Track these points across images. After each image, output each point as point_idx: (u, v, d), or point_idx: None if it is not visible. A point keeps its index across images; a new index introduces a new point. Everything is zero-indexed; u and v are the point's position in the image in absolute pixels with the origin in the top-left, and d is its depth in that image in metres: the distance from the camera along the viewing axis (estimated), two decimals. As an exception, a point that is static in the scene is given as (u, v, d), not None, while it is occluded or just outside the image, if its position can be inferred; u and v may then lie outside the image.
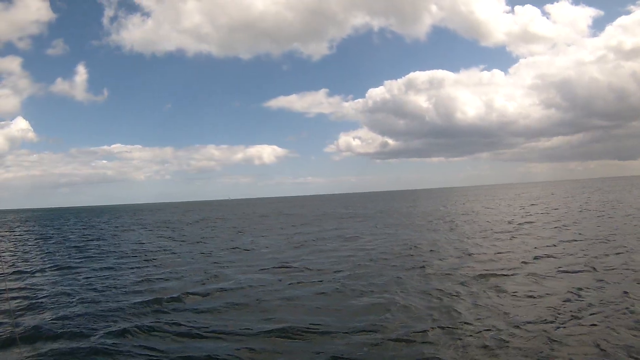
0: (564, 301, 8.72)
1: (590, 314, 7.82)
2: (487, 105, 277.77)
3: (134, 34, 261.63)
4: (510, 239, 18.29)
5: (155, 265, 15.91)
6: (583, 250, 14.59)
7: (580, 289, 9.49)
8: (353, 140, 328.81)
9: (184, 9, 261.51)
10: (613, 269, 11.30)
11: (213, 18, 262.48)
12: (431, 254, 15.61)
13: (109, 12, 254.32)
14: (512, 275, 11.37)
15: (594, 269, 11.47)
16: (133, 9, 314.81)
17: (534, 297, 9.18)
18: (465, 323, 7.71)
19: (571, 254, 13.93)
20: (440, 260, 14.19)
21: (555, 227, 21.74)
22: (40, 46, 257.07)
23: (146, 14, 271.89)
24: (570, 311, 8.04)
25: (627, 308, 7.96)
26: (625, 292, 8.94)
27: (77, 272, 14.96)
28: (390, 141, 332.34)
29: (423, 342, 6.99)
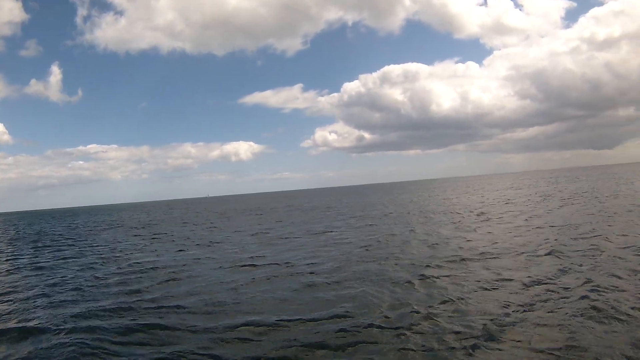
0: (520, 289, 9.07)
1: (543, 301, 8.16)
2: (462, 97, 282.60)
3: (108, 32, 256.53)
4: (475, 230, 18.84)
5: (128, 264, 16.05)
6: (547, 238, 15.10)
7: (539, 276, 9.87)
8: (329, 135, 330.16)
9: (156, 6, 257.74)
10: (577, 255, 11.76)
11: (186, 15, 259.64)
12: (397, 245, 16.08)
13: (82, 12, 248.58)
14: (475, 263, 11.83)
15: (557, 256, 11.80)
16: (106, 7, 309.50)
17: (492, 286, 9.46)
18: (421, 311, 7.99)
19: (534, 242, 14.48)
20: (405, 251, 14.63)
21: (522, 217, 22.46)
22: (14, 47, 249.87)
23: (119, 13, 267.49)
24: (524, 299, 8.38)
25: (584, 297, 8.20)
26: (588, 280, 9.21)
27: (49, 271, 15.09)
28: (367, 135, 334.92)
29: (385, 329, 7.28)
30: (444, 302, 8.47)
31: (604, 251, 11.98)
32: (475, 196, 48.05)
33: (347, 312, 8.26)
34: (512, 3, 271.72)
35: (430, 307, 8.24)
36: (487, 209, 29.03)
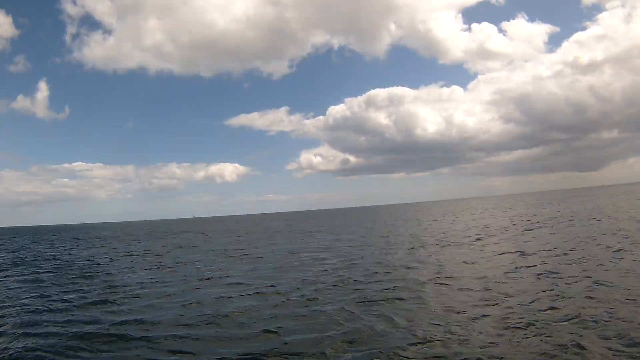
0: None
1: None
2: (447, 121, 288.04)
3: (96, 51, 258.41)
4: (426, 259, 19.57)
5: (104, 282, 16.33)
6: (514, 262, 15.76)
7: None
8: (314, 158, 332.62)
9: (145, 27, 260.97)
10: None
11: (174, 36, 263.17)
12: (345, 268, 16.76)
13: (71, 30, 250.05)
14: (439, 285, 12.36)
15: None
16: (95, 26, 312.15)
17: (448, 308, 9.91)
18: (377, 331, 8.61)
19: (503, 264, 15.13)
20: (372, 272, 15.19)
21: (498, 239, 23.28)
22: (2, 62, 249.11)
23: (108, 32, 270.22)
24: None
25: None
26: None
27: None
28: (352, 158, 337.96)
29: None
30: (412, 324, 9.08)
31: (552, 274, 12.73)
32: (444, 223, 48.92)
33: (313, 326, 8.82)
34: (495, 28, 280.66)
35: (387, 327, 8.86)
36: (466, 231, 29.85)
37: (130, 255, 28.05)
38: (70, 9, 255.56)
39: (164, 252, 29.98)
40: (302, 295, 12.11)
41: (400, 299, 10.95)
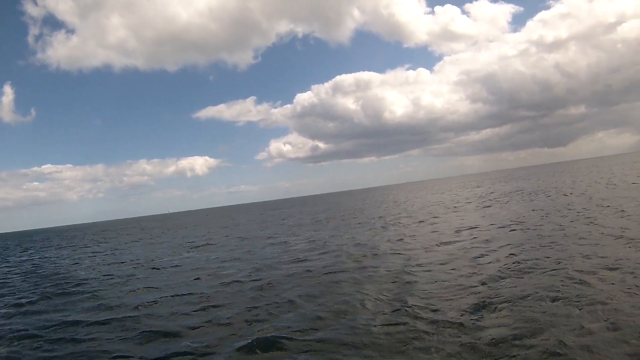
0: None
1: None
2: (415, 103, 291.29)
3: (60, 51, 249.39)
4: (397, 232, 20.69)
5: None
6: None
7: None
8: (284, 146, 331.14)
9: (108, 24, 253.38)
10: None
11: (138, 32, 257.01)
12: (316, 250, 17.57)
13: (33, 31, 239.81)
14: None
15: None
16: (57, 26, 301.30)
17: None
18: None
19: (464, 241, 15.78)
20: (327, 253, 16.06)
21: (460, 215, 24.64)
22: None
23: (70, 31, 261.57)
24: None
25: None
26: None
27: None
28: (321, 144, 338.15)
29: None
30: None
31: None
32: (411, 200, 50.52)
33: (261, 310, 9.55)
34: (459, 10, 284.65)
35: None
36: (415, 212, 31.16)
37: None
38: (31, 9, 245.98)
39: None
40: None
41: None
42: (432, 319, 7.15)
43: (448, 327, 6.73)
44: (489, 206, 27.92)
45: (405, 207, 38.86)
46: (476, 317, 7.03)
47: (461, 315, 7.19)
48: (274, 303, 9.38)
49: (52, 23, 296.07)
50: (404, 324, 7.12)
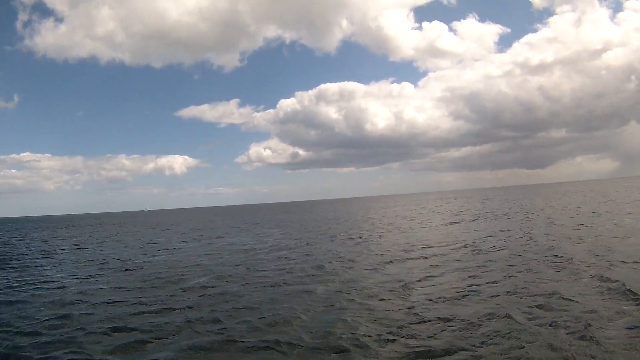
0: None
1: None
2: (397, 117, 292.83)
3: (47, 39, 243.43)
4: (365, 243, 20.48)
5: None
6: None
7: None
8: (264, 151, 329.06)
9: (97, 15, 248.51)
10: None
11: (127, 25, 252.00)
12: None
13: (22, 17, 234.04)
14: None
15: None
16: (47, 14, 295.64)
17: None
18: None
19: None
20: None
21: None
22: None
23: (59, 20, 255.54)
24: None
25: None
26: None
27: None
28: (301, 151, 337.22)
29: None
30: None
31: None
32: (380, 214, 50.52)
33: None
34: (446, 27, 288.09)
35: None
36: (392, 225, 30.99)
37: None
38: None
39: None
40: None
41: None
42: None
43: None
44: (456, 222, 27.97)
45: (374, 221, 38.69)
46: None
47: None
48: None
49: (42, 10, 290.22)
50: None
